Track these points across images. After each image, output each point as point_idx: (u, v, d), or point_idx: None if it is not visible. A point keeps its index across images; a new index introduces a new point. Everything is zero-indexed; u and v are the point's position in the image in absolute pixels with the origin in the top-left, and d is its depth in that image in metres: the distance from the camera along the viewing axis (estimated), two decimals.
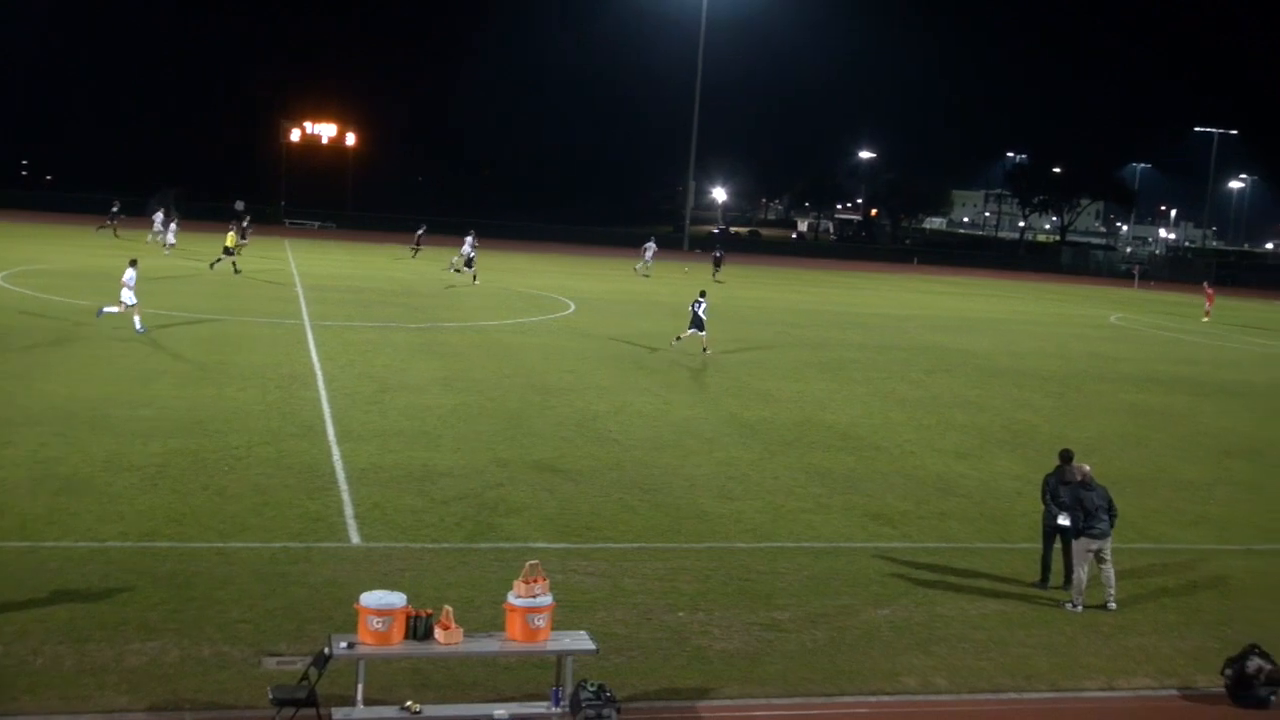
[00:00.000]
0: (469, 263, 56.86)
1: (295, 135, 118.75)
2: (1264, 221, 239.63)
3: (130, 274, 32.40)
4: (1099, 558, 15.34)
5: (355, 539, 16.14)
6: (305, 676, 10.59)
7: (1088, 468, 15.98)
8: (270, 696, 10.56)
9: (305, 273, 54.91)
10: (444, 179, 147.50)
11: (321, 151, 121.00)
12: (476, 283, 54.27)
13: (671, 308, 50.46)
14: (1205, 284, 71.62)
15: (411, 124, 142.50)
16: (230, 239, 52.86)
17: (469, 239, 59.43)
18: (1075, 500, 15.53)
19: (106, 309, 32.65)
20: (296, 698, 10.43)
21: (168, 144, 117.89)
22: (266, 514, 16.81)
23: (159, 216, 67.96)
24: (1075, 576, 15.46)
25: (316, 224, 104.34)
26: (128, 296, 32.16)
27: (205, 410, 23.04)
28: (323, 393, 25.66)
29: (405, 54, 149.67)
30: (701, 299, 36.41)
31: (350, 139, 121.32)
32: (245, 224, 63.35)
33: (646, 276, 67.85)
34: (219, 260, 51.73)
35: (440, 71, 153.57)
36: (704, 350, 35.83)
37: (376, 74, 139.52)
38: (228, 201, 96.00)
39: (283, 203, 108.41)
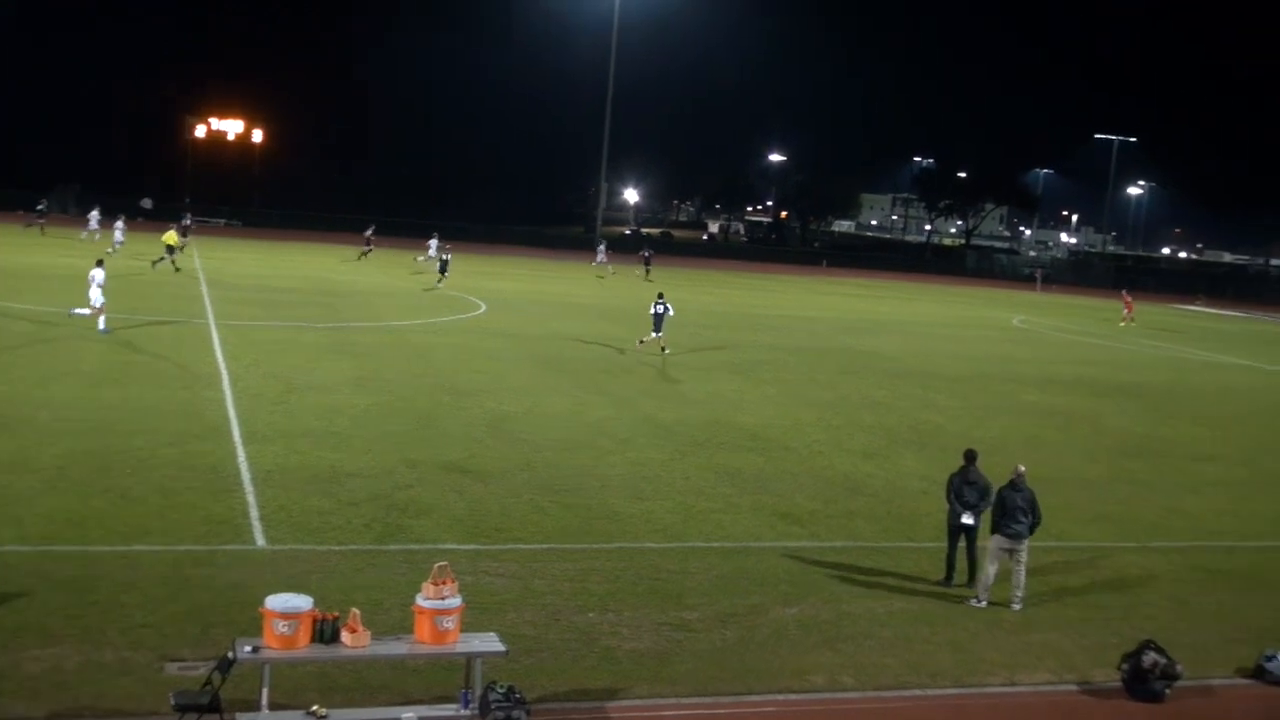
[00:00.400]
0: (443, 267, 56.88)
1: (200, 131, 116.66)
2: (1161, 226, 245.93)
3: (99, 274, 32.26)
4: (1014, 558, 15.63)
5: (261, 541, 15.92)
6: (209, 681, 10.44)
7: (1023, 468, 16.21)
8: (172, 702, 10.38)
9: (210, 271, 53.99)
10: (353, 177, 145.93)
11: (227, 148, 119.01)
12: (440, 285, 54.17)
13: (584, 308, 50.53)
14: (1124, 291, 73.30)
15: (320, 121, 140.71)
16: (172, 237, 52.84)
17: (434, 242, 60.70)
18: (997, 499, 15.81)
19: (77, 310, 32.37)
20: (200, 703, 10.27)
21: (67, 140, 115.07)
22: (170, 516, 16.52)
23: (94, 215, 67.13)
24: (984, 573, 15.74)
25: (222, 221, 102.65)
26: (96, 297, 31.97)
27: (107, 411, 22.56)
28: (228, 393, 25.27)
29: (315, 51, 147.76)
30: (661, 300, 37.21)
31: (257, 135, 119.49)
32: (187, 223, 63.02)
33: (601, 279, 69.61)
34: (160, 259, 51.46)
35: (350, 69, 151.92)
36: (663, 350, 36.66)
37: (285, 71, 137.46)
38: (131, 198, 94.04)
39: (188, 199, 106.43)
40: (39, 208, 71.95)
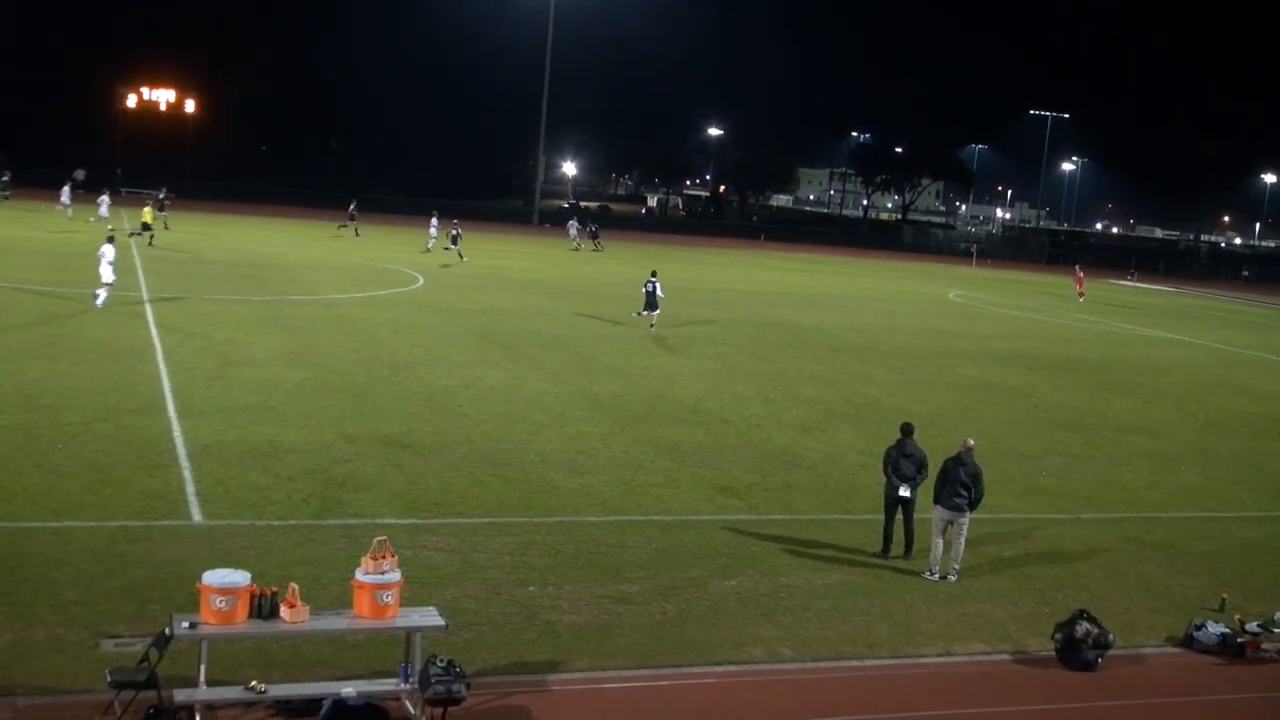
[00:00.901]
0: (455, 240, 58.70)
1: (131, 101, 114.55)
2: (1094, 201, 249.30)
3: (109, 250, 32.68)
4: (954, 529, 15.82)
5: (197, 517, 15.75)
6: (145, 658, 10.32)
7: (972, 442, 16.37)
8: (108, 679, 10.26)
9: (144, 243, 53.09)
10: (288, 149, 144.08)
11: (160, 118, 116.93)
12: (463, 260, 56.69)
13: (521, 282, 50.35)
14: (1076, 267, 74.33)
15: (255, 94, 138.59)
16: (147, 214, 53.97)
17: (434, 221, 61.99)
18: (941, 470, 15.96)
19: (100, 292, 32.34)
20: (136, 680, 10.16)
21: None
22: (104, 492, 16.29)
23: (66, 190, 67.88)
24: (931, 545, 15.91)
25: (156, 192, 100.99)
26: (107, 274, 32.28)
27: (36, 386, 22.18)
28: (162, 367, 24.93)
29: (250, 20, 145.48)
30: (653, 279, 37.96)
31: (190, 106, 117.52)
32: (162, 197, 64.14)
33: (576, 250, 72.22)
34: (136, 234, 52.15)
35: (286, 41, 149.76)
36: (650, 327, 37.12)
37: (219, 40, 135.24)
38: (59, 169, 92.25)
39: (119, 171, 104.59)
40: (2, 178, 73.57)
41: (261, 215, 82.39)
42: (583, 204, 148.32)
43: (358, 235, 68.23)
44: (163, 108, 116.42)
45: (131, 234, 52.46)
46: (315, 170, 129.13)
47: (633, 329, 37.24)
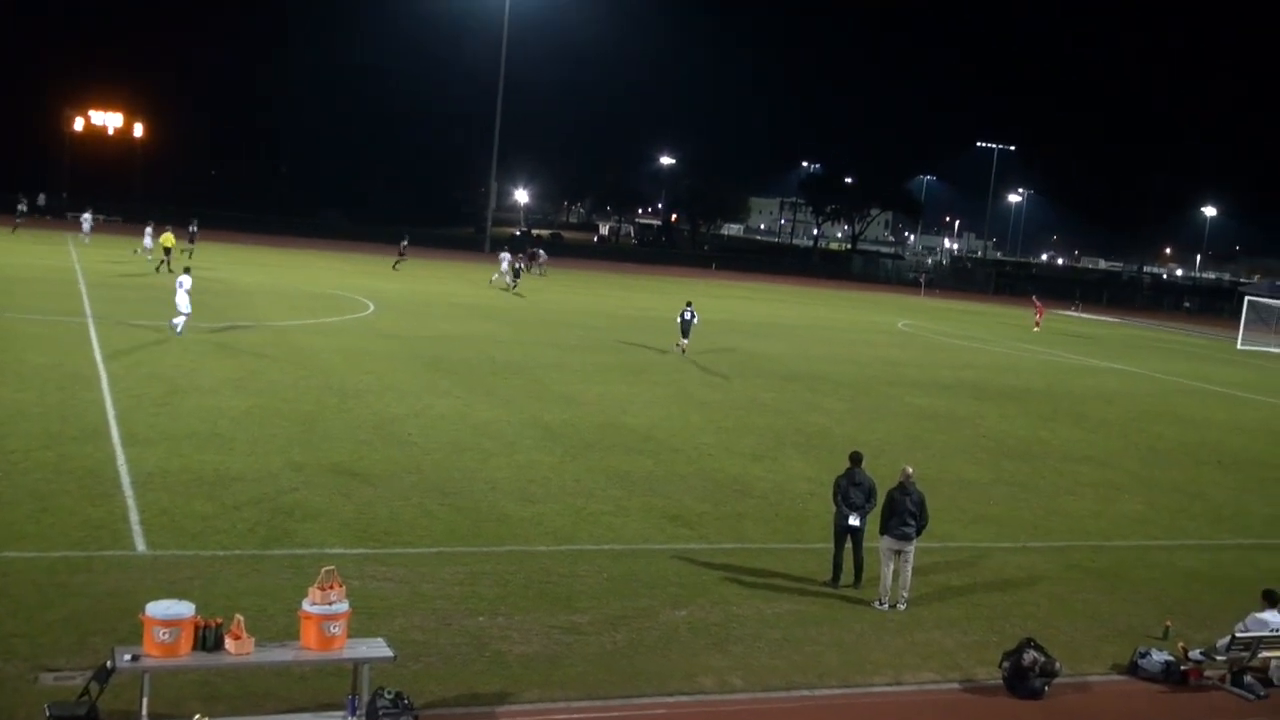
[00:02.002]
0: (517, 273, 62.78)
1: (79, 125, 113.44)
2: (1039, 233, 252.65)
3: (186, 280, 34.33)
4: (901, 559, 15.90)
5: (141, 547, 15.53)
6: (86, 692, 10.16)
7: (910, 470, 16.50)
8: (47, 714, 10.09)
9: (89, 268, 52.53)
10: (237, 173, 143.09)
11: (107, 142, 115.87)
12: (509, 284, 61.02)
13: (472, 309, 50.20)
14: (1034, 297, 75.41)
15: (205, 117, 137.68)
16: (168, 239, 55.61)
17: (505, 255, 65.27)
18: (886, 500, 16.06)
19: (177, 321, 33.82)
20: (76, 715, 10.00)
21: None
22: (45, 521, 16.03)
23: (87, 216, 70.57)
24: (881, 575, 15.98)
25: (102, 217, 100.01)
26: (183, 302, 33.75)
27: None
28: (107, 394, 24.61)
29: (200, 44, 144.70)
30: (689, 307, 40.65)
31: (139, 130, 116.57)
32: (193, 229, 65.73)
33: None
34: (163, 262, 53.50)
35: (236, 64, 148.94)
36: (681, 352, 39.82)
37: (168, 64, 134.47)
38: (5, 193, 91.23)
39: (65, 195, 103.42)
40: (20, 209, 75.37)
41: (210, 240, 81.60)
42: (535, 231, 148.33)
43: (395, 269, 68.69)
44: (110, 132, 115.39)
45: (157, 265, 53.72)
46: (264, 195, 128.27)
47: (584, 355, 37.23)
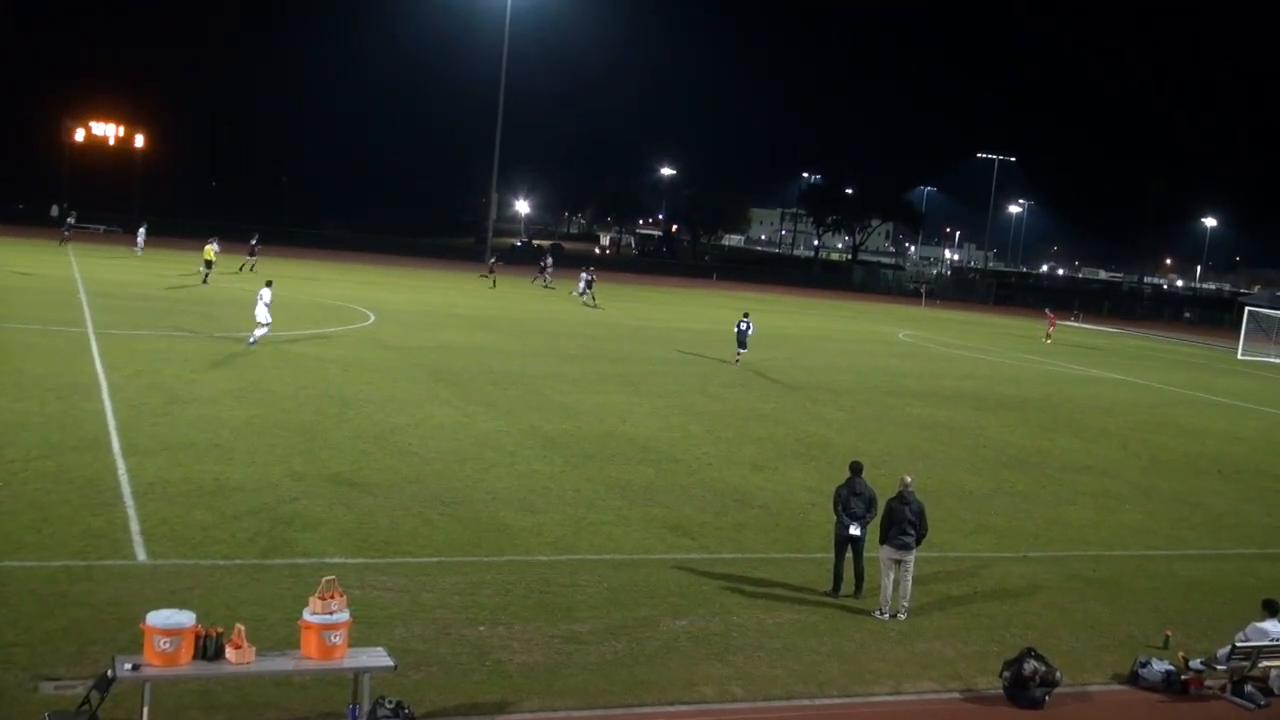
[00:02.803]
0: (589, 284, 64.99)
1: (79, 135, 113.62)
2: (1040, 244, 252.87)
3: (266, 293, 35.26)
4: (901, 568, 15.90)
5: (142, 556, 15.53)
6: (86, 701, 10.15)
7: (910, 479, 16.50)
8: None
9: (90, 278, 52.59)
10: (238, 184, 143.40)
11: (108, 153, 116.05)
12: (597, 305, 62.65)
13: (472, 320, 50.23)
14: (1047, 310, 75.75)
15: (205, 128, 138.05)
16: (209, 252, 56.17)
17: (584, 275, 66.31)
18: (886, 510, 16.06)
19: (258, 334, 34.95)
20: None
21: None
22: (45, 531, 16.02)
23: (142, 231, 73.09)
24: (881, 585, 15.98)
25: (102, 228, 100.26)
26: (263, 314, 34.82)
27: None
28: (107, 404, 24.62)
29: (200, 56, 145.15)
30: (746, 318, 42.20)
31: (139, 141, 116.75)
32: (255, 243, 66.99)
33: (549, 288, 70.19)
34: (207, 274, 55.04)
35: (236, 75, 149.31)
36: (735, 361, 41.21)
37: (169, 76, 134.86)
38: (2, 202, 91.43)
39: (66, 205, 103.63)
40: (69, 221, 77.61)
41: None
42: (535, 242, 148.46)
43: (493, 286, 69.98)
44: (111, 142, 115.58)
45: (205, 278, 54.69)
46: (265, 205, 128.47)
47: (583, 364, 37.25)
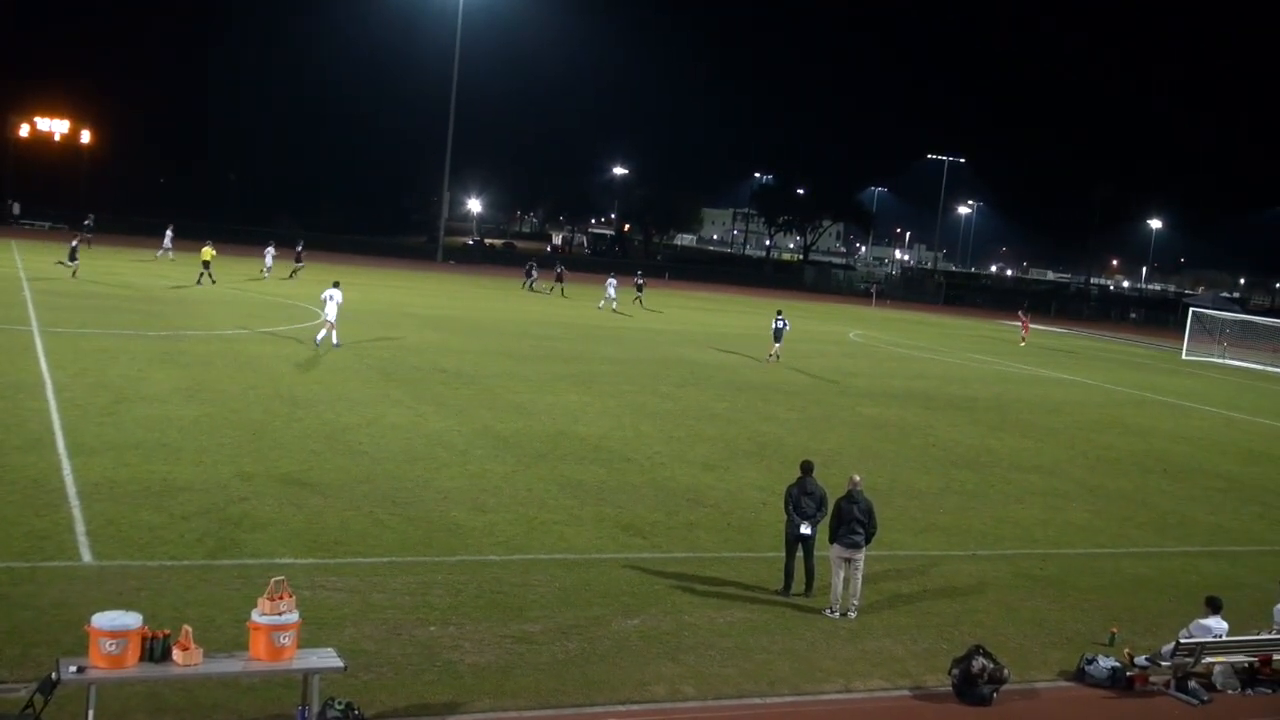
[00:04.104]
0: (640, 288, 65.80)
1: (24, 131, 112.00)
2: (989, 244, 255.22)
3: (336, 293, 37.02)
4: (851, 567, 15.99)
5: (87, 557, 15.34)
6: (30, 705, 10.02)
7: (859, 478, 16.59)
8: None
9: (35, 276, 51.86)
10: (186, 181, 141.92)
11: (53, 149, 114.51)
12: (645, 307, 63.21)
13: (422, 318, 49.99)
14: (1020, 312, 76.31)
15: (154, 125, 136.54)
16: (207, 253, 56.37)
17: (612, 281, 65.86)
18: (835, 509, 16.13)
19: (330, 335, 36.57)
20: None
21: None
22: None
23: (169, 234, 72.57)
24: (832, 584, 16.06)
25: (47, 224, 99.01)
26: (331, 312, 36.65)
27: None
28: (52, 403, 24.30)
29: (148, 50, 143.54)
30: (780, 316, 44.93)
31: (85, 137, 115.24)
32: (300, 249, 68.30)
33: (543, 294, 68.88)
34: (203, 275, 55.22)
35: (185, 71, 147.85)
36: (770, 357, 44.06)
37: (116, 70, 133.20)
38: None
39: (11, 201, 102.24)
40: (85, 224, 77.39)
41: (157, 248, 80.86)
42: (488, 241, 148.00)
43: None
44: (57, 138, 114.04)
45: (199, 278, 55.19)
46: (213, 202, 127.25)
47: (537, 364, 37.19)
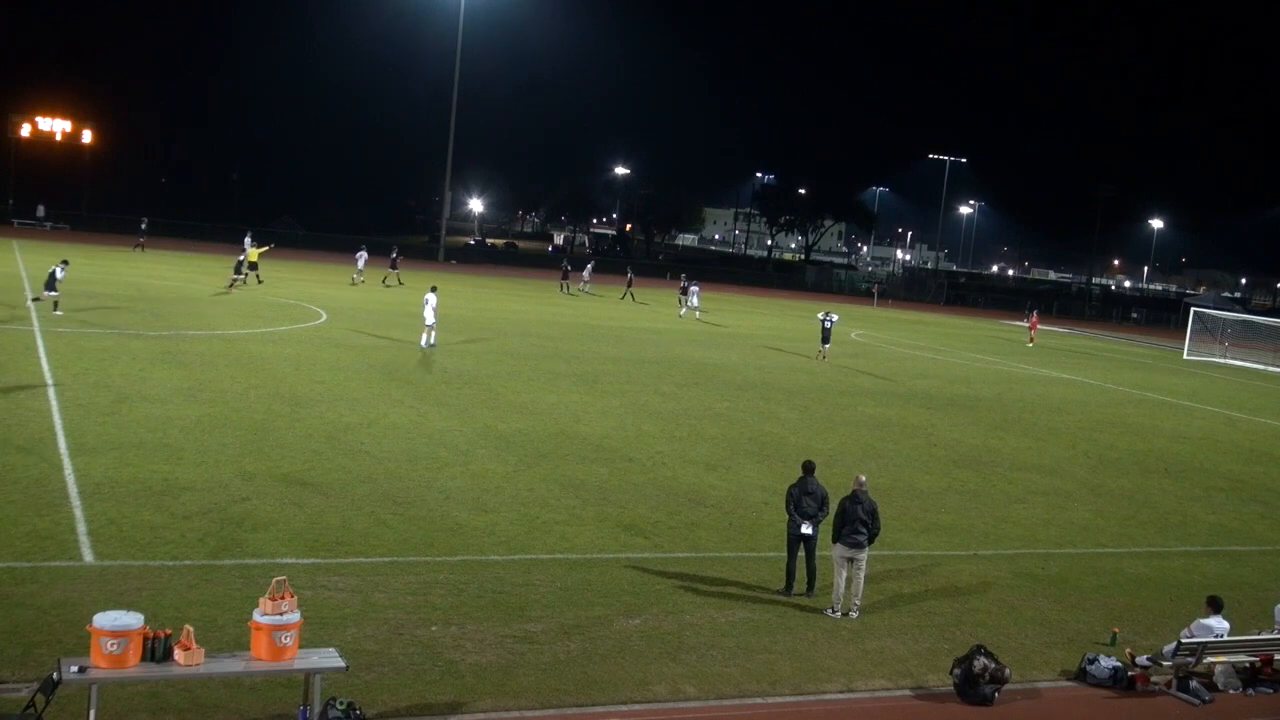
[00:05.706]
0: (694, 295, 64.38)
1: (25, 130, 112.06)
2: (990, 244, 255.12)
3: (433, 297, 39.21)
4: (854, 566, 15.99)
5: (89, 557, 15.34)
6: (31, 704, 10.03)
7: (864, 478, 16.58)
8: None
9: (37, 276, 51.84)
10: (188, 181, 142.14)
11: (55, 149, 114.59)
12: (698, 316, 62.81)
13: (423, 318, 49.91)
14: (1027, 312, 76.40)
15: (154, 126, 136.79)
16: (253, 254, 57.81)
17: (694, 287, 64.95)
18: (839, 509, 16.13)
19: (429, 337, 38.88)
20: None
21: None
22: None
23: (248, 240, 70.40)
24: (834, 583, 16.06)
25: (48, 224, 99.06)
26: (429, 317, 38.90)
27: None
28: (54, 403, 24.31)
29: (151, 51, 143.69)
30: (830, 314, 46.27)
31: (87, 136, 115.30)
32: (395, 255, 67.60)
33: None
34: (245, 276, 55.66)
35: (188, 72, 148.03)
36: (819, 356, 45.31)
37: (119, 71, 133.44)
38: None
39: (11, 201, 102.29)
40: (141, 227, 77.87)
41: (161, 248, 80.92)
42: (489, 241, 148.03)
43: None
44: (58, 138, 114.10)
45: (239, 281, 55.02)
46: (216, 202, 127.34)
47: (538, 364, 37.19)
